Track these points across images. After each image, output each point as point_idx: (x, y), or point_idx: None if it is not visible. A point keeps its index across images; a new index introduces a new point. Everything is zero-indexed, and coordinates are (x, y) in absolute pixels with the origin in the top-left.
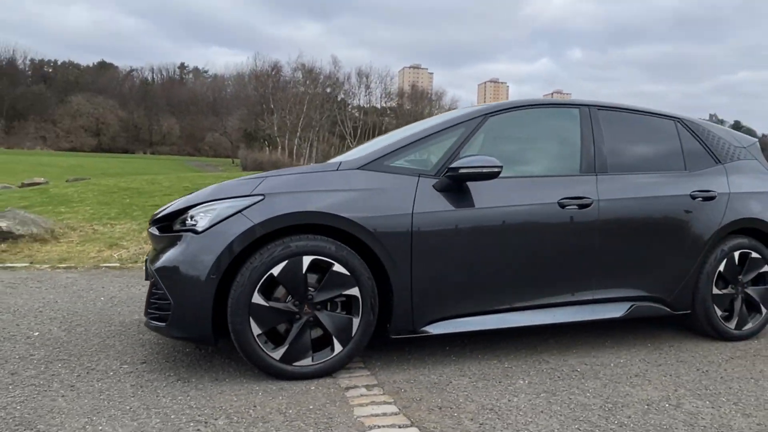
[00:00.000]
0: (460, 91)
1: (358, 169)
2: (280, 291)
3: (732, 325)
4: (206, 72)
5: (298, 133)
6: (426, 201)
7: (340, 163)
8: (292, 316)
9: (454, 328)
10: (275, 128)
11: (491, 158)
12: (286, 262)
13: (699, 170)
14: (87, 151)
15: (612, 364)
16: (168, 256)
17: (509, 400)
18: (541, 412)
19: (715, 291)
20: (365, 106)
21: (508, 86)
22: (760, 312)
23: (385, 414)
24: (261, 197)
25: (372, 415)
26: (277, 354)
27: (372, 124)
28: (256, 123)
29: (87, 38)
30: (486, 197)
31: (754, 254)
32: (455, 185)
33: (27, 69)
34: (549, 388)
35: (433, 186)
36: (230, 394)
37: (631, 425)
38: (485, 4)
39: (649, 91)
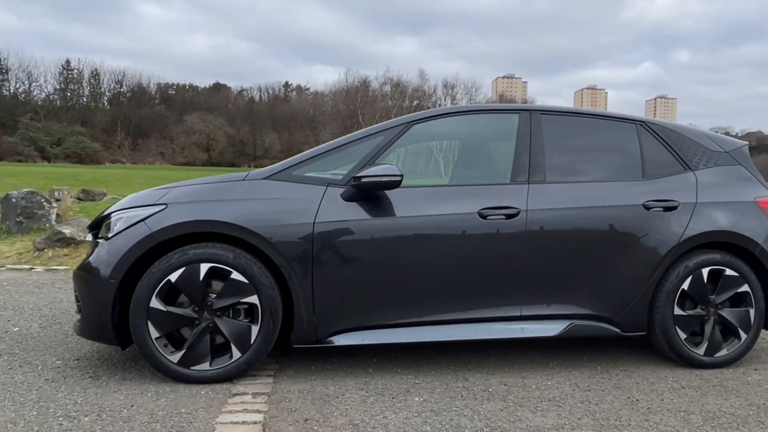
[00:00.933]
0: (557, 100)
1: (264, 179)
2: (184, 296)
3: (701, 350)
4: (308, 89)
5: None
6: (331, 210)
7: (248, 173)
8: (191, 321)
9: (361, 340)
10: None
11: (392, 167)
12: (184, 269)
13: (660, 177)
14: (198, 165)
15: (534, 386)
16: (84, 261)
17: (384, 417)
18: None
19: (678, 312)
20: None
21: (606, 93)
22: (739, 337)
23: (245, 422)
24: (163, 206)
25: (231, 423)
26: (175, 357)
27: None
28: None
29: (205, 62)
30: (401, 207)
31: (730, 271)
32: (364, 195)
33: (154, 92)
34: (439, 408)
35: (341, 195)
36: (122, 393)
37: None
38: (583, 9)
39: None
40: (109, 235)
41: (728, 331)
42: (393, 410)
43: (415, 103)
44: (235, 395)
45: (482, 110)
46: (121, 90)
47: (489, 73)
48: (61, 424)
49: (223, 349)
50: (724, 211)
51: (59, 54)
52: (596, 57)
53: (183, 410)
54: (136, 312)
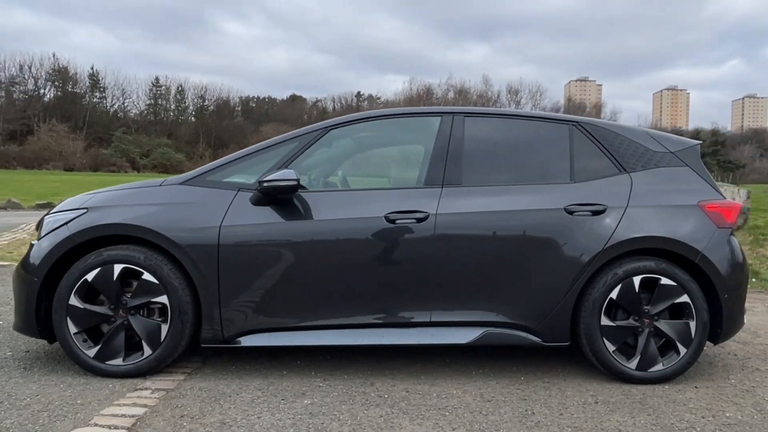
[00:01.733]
0: (634, 102)
1: (180, 184)
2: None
3: (632, 364)
4: (379, 98)
5: None
6: (239, 214)
7: (165, 179)
8: (107, 318)
9: (268, 342)
10: None
11: (290, 171)
12: (99, 269)
13: (590, 180)
14: None
15: (436, 395)
16: (21, 260)
17: (258, 418)
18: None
19: (605, 322)
20: None
21: (688, 93)
22: (678, 352)
23: (123, 416)
24: (84, 210)
25: (111, 415)
26: (92, 352)
27: None
28: None
29: (283, 75)
30: (310, 211)
31: (666, 280)
32: (271, 199)
33: (236, 105)
34: (320, 411)
35: (250, 200)
36: (39, 384)
37: None
38: (662, 8)
39: None
40: (40, 236)
41: (667, 345)
42: (272, 411)
43: None
44: (137, 389)
45: (403, 114)
46: (204, 104)
47: (562, 77)
48: None
49: (138, 346)
50: (660, 215)
51: (152, 72)
52: (677, 56)
53: (79, 401)
54: (57, 308)
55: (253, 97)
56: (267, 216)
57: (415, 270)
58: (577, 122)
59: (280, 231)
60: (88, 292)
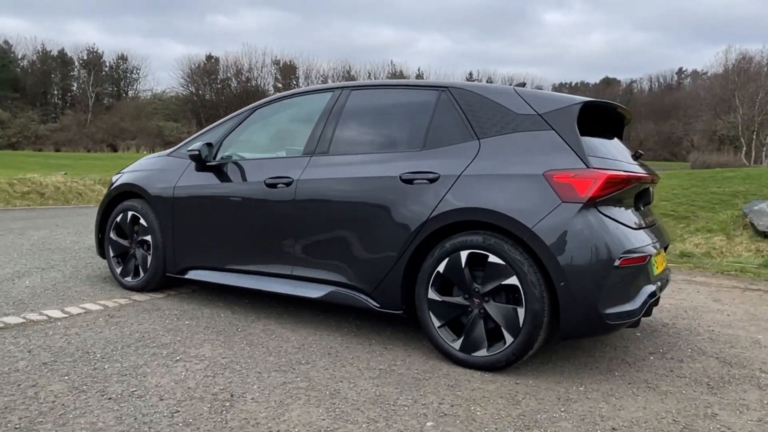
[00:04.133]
0: None
1: (167, 155)
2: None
3: (456, 345)
4: (705, 73)
5: (766, 132)
6: (186, 178)
7: (162, 152)
8: (127, 248)
9: (200, 277)
10: (740, 127)
11: (197, 144)
12: (121, 215)
13: (438, 147)
14: None
15: (276, 336)
16: None
17: (139, 325)
18: (103, 357)
19: (432, 296)
20: None
21: None
22: (505, 340)
23: (84, 308)
24: (121, 174)
25: (80, 307)
26: (119, 270)
27: None
28: (715, 123)
29: (600, 58)
30: (229, 176)
31: (494, 258)
32: (201, 165)
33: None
34: (178, 328)
35: (194, 167)
36: (91, 286)
37: (87, 376)
38: None
39: None
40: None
41: (498, 330)
42: (153, 323)
43: None
44: (123, 297)
45: (309, 92)
46: None
47: None
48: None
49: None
50: (492, 185)
51: (470, 68)
52: None
53: (84, 297)
54: (106, 240)
55: (566, 84)
56: (202, 179)
57: (281, 228)
58: (447, 87)
59: (205, 191)
60: (120, 230)
